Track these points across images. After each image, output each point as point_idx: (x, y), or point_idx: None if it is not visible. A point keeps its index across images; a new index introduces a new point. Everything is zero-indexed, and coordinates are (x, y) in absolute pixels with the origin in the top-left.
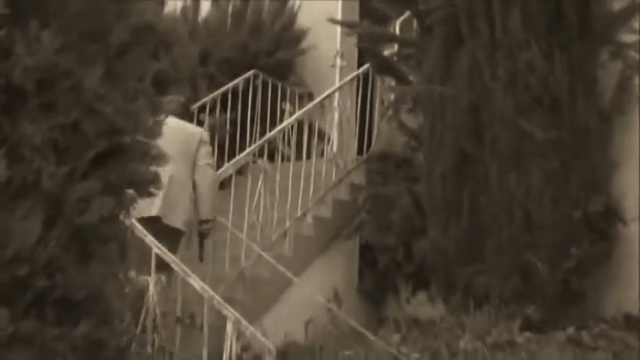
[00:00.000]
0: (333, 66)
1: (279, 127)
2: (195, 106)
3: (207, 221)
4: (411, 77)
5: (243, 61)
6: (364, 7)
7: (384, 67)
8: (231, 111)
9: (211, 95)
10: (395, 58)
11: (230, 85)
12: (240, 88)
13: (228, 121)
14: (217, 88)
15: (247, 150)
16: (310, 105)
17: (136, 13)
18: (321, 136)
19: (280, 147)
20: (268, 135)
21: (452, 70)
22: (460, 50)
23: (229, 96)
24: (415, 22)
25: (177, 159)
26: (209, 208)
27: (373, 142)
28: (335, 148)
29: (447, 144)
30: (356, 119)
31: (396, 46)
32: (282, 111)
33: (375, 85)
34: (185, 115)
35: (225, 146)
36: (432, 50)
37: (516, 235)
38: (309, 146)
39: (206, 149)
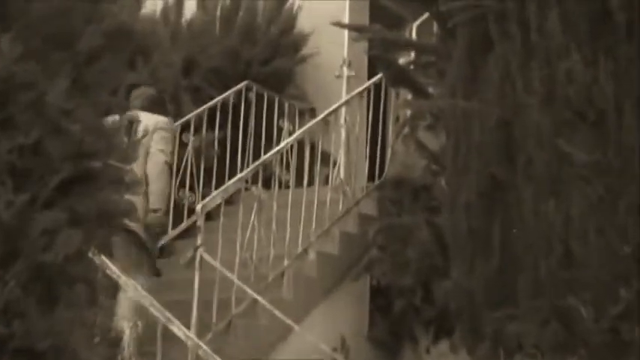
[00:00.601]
0: (340, 76)
1: (276, 149)
2: (177, 124)
3: (155, 210)
4: (430, 89)
5: (234, 70)
6: (375, 8)
7: (399, 78)
8: (219, 129)
9: (197, 111)
10: (412, 68)
11: (219, 98)
12: (231, 103)
13: (216, 141)
14: (204, 102)
15: (239, 175)
16: (312, 122)
17: (108, 15)
18: (326, 158)
19: (277, 171)
20: (263, 157)
21: (479, 81)
22: (488, 58)
23: (218, 112)
24: (435, 26)
25: None
26: (158, 195)
27: (387, 166)
28: (342, 173)
29: (473, 167)
30: (366, 139)
31: (412, 54)
32: (280, 129)
33: (388, 99)
34: (156, 109)
35: (212, 170)
36: (455, 58)
37: (555, 274)
38: (312, 171)
39: (160, 135)
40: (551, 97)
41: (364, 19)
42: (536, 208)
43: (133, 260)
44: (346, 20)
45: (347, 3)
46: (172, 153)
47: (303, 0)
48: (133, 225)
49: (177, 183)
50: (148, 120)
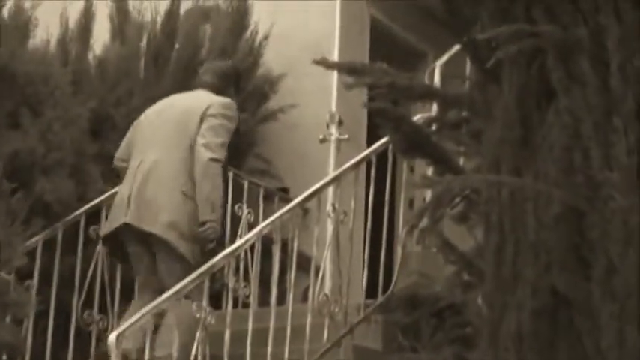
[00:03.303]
0: (325, 140)
1: (228, 249)
2: (82, 210)
3: (203, 223)
4: (461, 161)
5: None
6: (379, 39)
7: (415, 144)
8: None
9: (110, 192)
10: (433, 128)
11: None
12: None
13: None
14: (121, 179)
15: (175, 287)
16: (285, 210)
17: None
18: (304, 264)
19: (231, 283)
20: (209, 263)
21: (534, 148)
22: (548, 113)
23: None
24: (469, 65)
25: (166, 143)
26: (204, 204)
27: (395, 276)
28: (327, 286)
29: (526, 278)
30: (364, 234)
31: (434, 107)
32: (236, 219)
33: (397, 175)
34: (222, 87)
35: (134, 283)
36: (500, 114)
37: None
38: (283, 282)
39: (209, 124)
40: None
41: (363, 55)
42: (620, 339)
43: (170, 273)
44: (335, 56)
45: (336, 30)
46: (225, 145)
47: (270, 26)
48: (172, 238)
49: (82, 300)
50: (196, 101)
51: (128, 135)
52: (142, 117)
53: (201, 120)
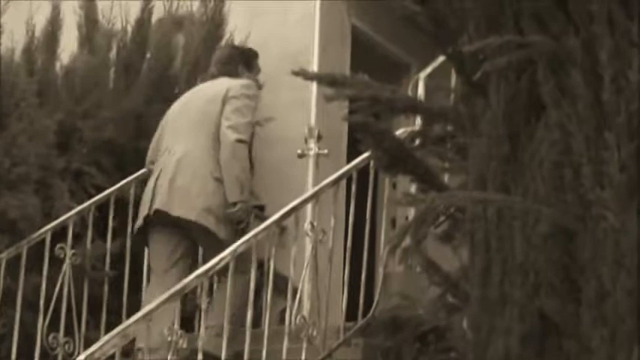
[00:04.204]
0: (304, 155)
1: (202, 268)
2: (47, 228)
3: (234, 204)
4: (446, 177)
5: (136, 144)
6: (361, 49)
7: (397, 159)
8: (114, 238)
9: (77, 208)
10: (417, 143)
11: (112, 189)
12: (132, 196)
13: (108, 257)
14: (89, 195)
15: (143, 311)
16: (260, 228)
17: None
18: (280, 285)
19: (204, 304)
20: (181, 283)
21: (523, 164)
22: (538, 127)
23: (111, 210)
24: (454, 77)
25: (192, 132)
26: (231, 185)
27: (376, 297)
28: (305, 308)
29: (513, 300)
30: (344, 254)
31: (418, 120)
32: None
33: (379, 192)
34: (230, 72)
35: (102, 302)
36: (487, 128)
37: None
38: (258, 303)
39: (232, 106)
40: (638, 189)
41: (343, 67)
42: None
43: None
44: (314, 67)
45: (316, 40)
46: (250, 124)
47: (246, 36)
48: (210, 224)
49: (47, 322)
50: (217, 87)
51: (155, 135)
52: (168, 114)
53: (223, 103)
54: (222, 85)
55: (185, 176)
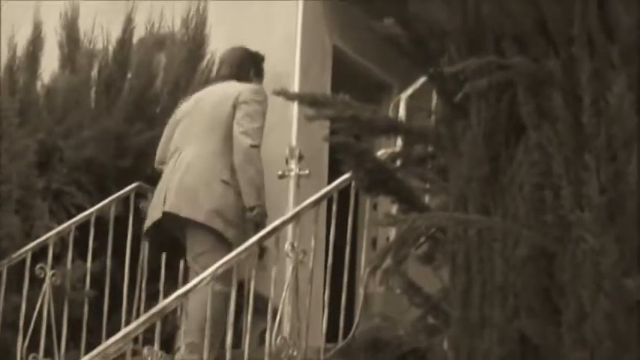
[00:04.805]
0: (285, 176)
1: (182, 289)
2: (27, 248)
3: (252, 209)
4: (427, 198)
5: (117, 163)
6: (342, 70)
7: (378, 180)
8: (94, 258)
9: (58, 228)
10: (398, 164)
11: (93, 209)
12: (112, 216)
13: (88, 277)
14: (70, 215)
15: (124, 330)
16: (241, 248)
17: None
18: (260, 306)
19: (184, 325)
20: (161, 304)
21: (503, 185)
22: (518, 149)
23: (92, 230)
24: (435, 98)
25: (202, 135)
26: (247, 190)
27: (356, 318)
28: (286, 329)
29: (493, 322)
30: (325, 274)
31: (399, 141)
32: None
33: (360, 212)
34: (241, 75)
35: (82, 323)
36: (467, 149)
37: None
38: (239, 324)
39: (243, 112)
40: (618, 211)
41: (324, 87)
42: None
43: (208, 260)
44: (295, 87)
45: (297, 60)
46: (261, 129)
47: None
48: (219, 226)
49: (27, 342)
50: (228, 91)
51: (163, 137)
52: (177, 114)
53: (234, 108)
54: (234, 88)
55: (194, 179)
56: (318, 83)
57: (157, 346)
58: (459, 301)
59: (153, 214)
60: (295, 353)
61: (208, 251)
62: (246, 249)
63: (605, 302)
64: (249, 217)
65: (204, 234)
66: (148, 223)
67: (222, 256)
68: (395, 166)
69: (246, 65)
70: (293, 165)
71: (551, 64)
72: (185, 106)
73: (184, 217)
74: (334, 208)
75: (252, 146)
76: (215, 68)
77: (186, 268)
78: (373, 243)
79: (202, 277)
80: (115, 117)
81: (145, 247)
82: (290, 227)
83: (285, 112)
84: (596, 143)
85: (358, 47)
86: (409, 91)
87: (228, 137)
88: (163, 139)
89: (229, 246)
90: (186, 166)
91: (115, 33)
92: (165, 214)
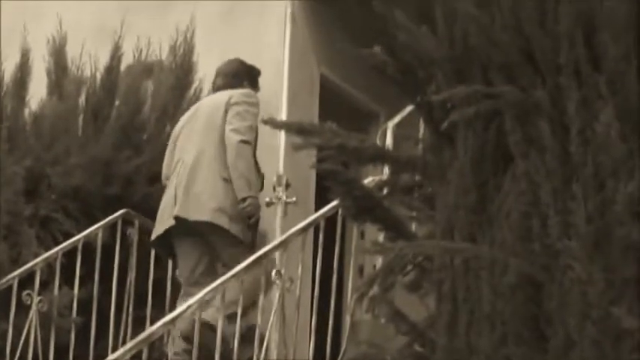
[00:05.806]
0: (272, 203)
1: (169, 316)
2: (15, 274)
3: (244, 199)
4: (414, 226)
5: (104, 190)
6: (329, 98)
7: (365, 208)
8: (81, 285)
9: (45, 255)
10: (385, 192)
11: (80, 236)
12: (99, 243)
13: (75, 304)
14: (57, 242)
15: (111, 357)
16: (227, 276)
17: None
18: (248, 333)
19: (171, 352)
20: (148, 331)
21: (490, 214)
22: (505, 178)
23: (79, 256)
24: (422, 126)
25: (199, 140)
26: (239, 183)
27: (343, 346)
28: (273, 356)
29: (481, 349)
30: (312, 302)
31: (386, 169)
32: (177, 284)
33: (347, 240)
34: (235, 85)
35: (69, 350)
36: (454, 178)
37: None
38: (226, 351)
39: (234, 112)
40: (605, 240)
41: (311, 115)
42: None
43: (232, 258)
44: (283, 116)
45: (284, 89)
46: (252, 128)
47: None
48: (224, 222)
49: None
50: (221, 97)
51: (166, 154)
52: (176, 128)
53: (226, 111)
54: (225, 94)
55: (198, 182)
56: (305, 111)
57: None
58: (445, 329)
59: (163, 223)
60: None
61: (228, 246)
62: (232, 276)
63: (592, 330)
64: (241, 209)
65: (216, 234)
66: (159, 232)
67: (237, 255)
68: (382, 194)
69: (241, 76)
70: (280, 192)
71: (539, 93)
72: (182, 120)
73: (193, 221)
74: (321, 235)
75: (242, 141)
76: (203, 96)
77: (174, 295)
78: (360, 270)
79: (189, 304)
80: (102, 144)
81: (131, 274)
82: (277, 254)
83: (272, 140)
84: (584, 172)
85: (345, 76)
86: (396, 119)
87: (223, 140)
88: (167, 154)
89: (237, 244)
90: (190, 171)
91: (103, 60)
92: (176, 220)
